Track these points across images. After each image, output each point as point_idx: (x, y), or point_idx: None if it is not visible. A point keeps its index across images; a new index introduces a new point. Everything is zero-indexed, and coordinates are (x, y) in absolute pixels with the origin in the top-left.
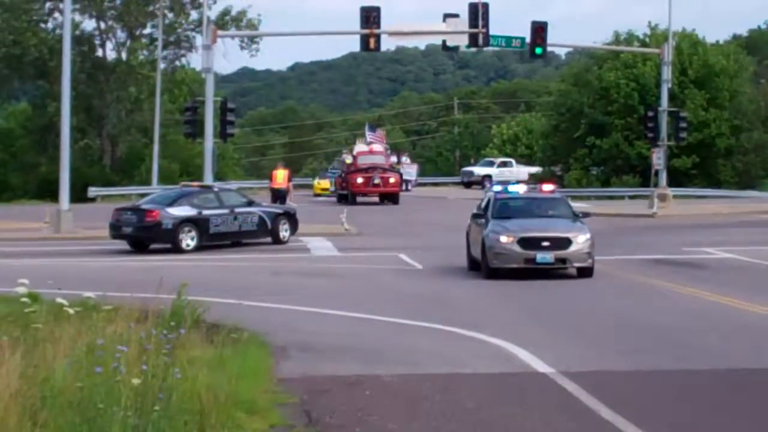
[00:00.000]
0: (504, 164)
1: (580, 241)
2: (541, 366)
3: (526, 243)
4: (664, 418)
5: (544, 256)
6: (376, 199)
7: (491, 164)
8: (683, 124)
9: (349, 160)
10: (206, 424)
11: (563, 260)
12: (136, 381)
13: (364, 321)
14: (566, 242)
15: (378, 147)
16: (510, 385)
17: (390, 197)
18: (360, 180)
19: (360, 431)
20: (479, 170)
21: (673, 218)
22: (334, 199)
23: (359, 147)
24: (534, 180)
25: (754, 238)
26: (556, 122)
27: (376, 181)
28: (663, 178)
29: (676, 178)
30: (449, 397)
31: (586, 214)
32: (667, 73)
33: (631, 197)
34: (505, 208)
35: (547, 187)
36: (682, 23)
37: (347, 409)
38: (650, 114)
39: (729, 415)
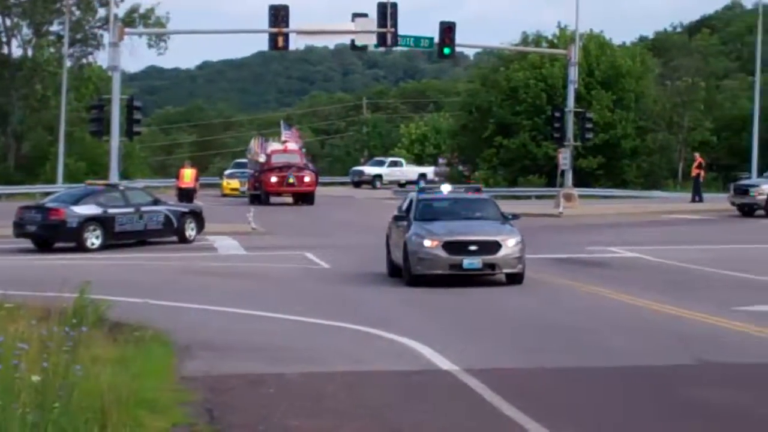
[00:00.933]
0: (394, 164)
1: (510, 244)
2: (445, 364)
3: (452, 247)
4: (566, 415)
5: (472, 262)
6: (289, 199)
7: (381, 164)
8: (589, 125)
9: (262, 158)
10: (108, 422)
11: (492, 266)
12: (35, 378)
13: (269, 319)
14: (495, 246)
15: (293, 145)
16: (414, 383)
17: (305, 197)
18: (274, 179)
19: (263, 429)
20: (369, 170)
21: (578, 218)
22: (245, 199)
23: (273, 145)
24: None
25: (657, 237)
26: (464, 122)
27: (291, 180)
28: (569, 178)
29: (582, 179)
30: (353, 394)
31: (515, 216)
32: (573, 74)
33: (538, 197)
34: (429, 210)
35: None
36: (590, 25)
37: (250, 407)
38: (557, 114)
39: (629, 412)
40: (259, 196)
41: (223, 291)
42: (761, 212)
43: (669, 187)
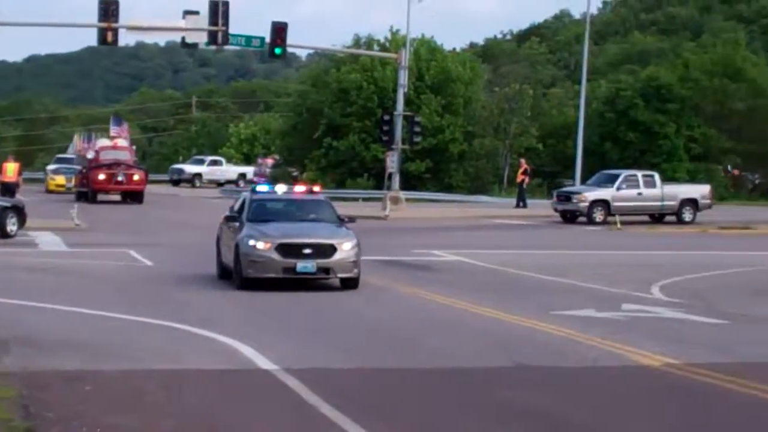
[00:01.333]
0: (214, 162)
1: (346, 248)
2: (265, 363)
3: (286, 250)
4: (382, 414)
5: (306, 265)
6: (117, 197)
7: (201, 162)
8: (418, 129)
9: (90, 155)
10: None
11: (327, 270)
12: None
13: (89, 317)
14: (330, 249)
15: (123, 142)
16: (233, 382)
17: (133, 196)
18: (102, 177)
19: (77, 425)
20: (189, 168)
21: (404, 221)
22: (71, 196)
23: (102, 141)
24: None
25: (480, 241)
26: (294, 123)
27: (120, 178)
28: (396, 181)
29: (410, 182)
30: (172, 393)
31: (351, 219)
32: (403, 77)
33: (365, 199)
34: (263, 211)
35: (300, 188)
36: (422, 30)
37: (67, 404)
38: (386, 117)
39: (445, 412)
40: (86, 193)
41: (42, 287)
42: (583, 219)
43: (494, 192)
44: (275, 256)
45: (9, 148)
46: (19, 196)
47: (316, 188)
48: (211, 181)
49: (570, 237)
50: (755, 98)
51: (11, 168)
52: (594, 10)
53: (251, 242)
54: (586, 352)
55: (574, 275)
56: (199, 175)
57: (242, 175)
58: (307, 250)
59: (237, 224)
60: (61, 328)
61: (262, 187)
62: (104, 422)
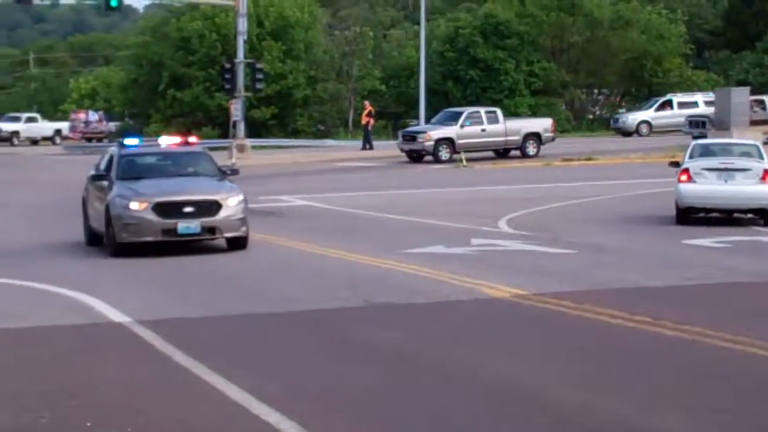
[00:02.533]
0: (30, 119)
1: (232, 204)
2: (117, 316)
3: (164, 209)
4: (236, 359)
5: (188, 226)
6: None
7: (17, 120)
8: (260, 76)
9: None
10: None
11: (212, 229)
12: None
13: None
14: (215, 206)
15: None
16: (86, 336)
17: None
18: None
19: None
20: (5, 126)
21: (251, 168)
22: None
23: None
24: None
25: (328, 185)
26: (135, 76)
27: None
28: (241, 129)
29: (256, 129)
30: (23, 350)
31: (234, 171)
32: (243, 24)
33: (211, 149)
34: (134, 167)
35: (173, 139)
36: None
37: None
38: (227, 66)
39: (298, 353)
40: None
41: None
42: (429, 158)
43: (340, 135)
44: (152, 216)
45: None
46: None
47: (192, 139)
48: (28, 139)
49: (417, 176)
50: (592, 30)
51: None
52: None
53: (124, 203)
54: (438, 288)
55: (422, 214)
56: (16, 133)
57: (58, 131)
58: (189, 209)
59: (105, 183)
60: None
61: (132, 140)
62: None
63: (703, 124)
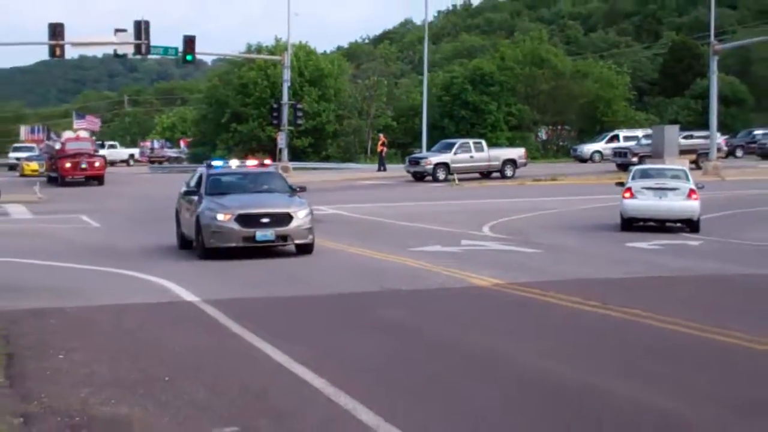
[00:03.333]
0: (111, 146)
1: (301, 216)
2: (188, 296)
3: (245, 220)
4: (280, 330)
5: (265, 234)
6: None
7: (102, 146)
8: (300, 114)
9: (58, 145)
10: None
11: (284, 237)
12: None
13: (53, 267)
14: (287, 218)
15: (84, 134)
16: (164, 311)
17: (96, 178)
18: (68, 165)
19: (44, 348)
20: None
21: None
22: (44, 179)
23: (67, 134)
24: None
25: (351, 198)
26: (204, 113)
27: (84, 165)
28: (285, 155)
29: (296, 155)
30: (117, 322)
31: (302, 188)
32: (287, 74)
33: None
34: (219, 184)
35: (253, 162)
36: (300, 37)
37: (36, 334)
38: (275, 106)
39: (328, 325)
40: (56, 178)
41: (14, 246)
42: (429, 178)
43: (361, 160)
44: (235, 226)
45: None
46: None
47: (267, 161)
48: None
49: (420, 192)
50: (557, 80)
51: None
52: (430, 18)
53: (212, 214)
54: (435, 278)
55: (424, 220)
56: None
57: (131, 155)
58: (265, 220)
59: (195, 198)
60: (30, 277)
61: (217, 162)
62: (69, 344)
63: (625, 154)
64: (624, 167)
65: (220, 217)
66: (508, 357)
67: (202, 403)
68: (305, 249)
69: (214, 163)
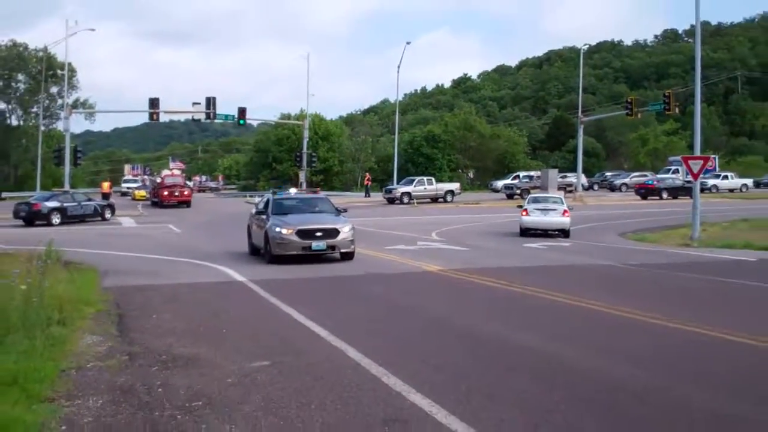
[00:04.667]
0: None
1: (346, 230)
2: (239, 277)
3: (303, 234)
4: (301, 300)
5: (318, 244)
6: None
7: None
8: (315, 159)
9: (158, 180)
10: (63, 310)
11: (333, 247)
12: (23, 287)
13: (149, 258)
14: (335, 232)
15: (177, 171)
16: (224, 288)
17: (185, 203)
18: (166, 193)
19: (143, 311)
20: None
21: None
22: (148, 202)
23: (165, 171)
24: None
25: (347, 215)
26: (252, 157)
27: (176, 193)
28: (304, 186)
29: (312, 186)
30: (192, 294)
31: (345, 210)
32: (306, 134)
33: None
34: (282, 206)
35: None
36: (316, 108)
37: (139, 302)
38: (298, 154)
39: (332, 297)
40: (157, 202)
41: (124, 244)
42: (398, 202)
43: (354, 190)
44: (296, 238)
45: (105, 175)
46: (112, 200)
47: (317, 189)
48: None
49: (392, 211)
50: (480, 140)
51: (106, 185)
52: (401, 98)
53: (278, 229)
54: (401, 266)
55: (394, 229)
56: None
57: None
58: (319, 233)
59: (264, 217)
60: (134, 264)
61: (278, 191)
62: (159, 308)
63: (512, 188)
64: (511, 197)
65: (284, 231)
66: (447, 317)
67: (245, 346)
68: (348, 256)
69: (276, 191)
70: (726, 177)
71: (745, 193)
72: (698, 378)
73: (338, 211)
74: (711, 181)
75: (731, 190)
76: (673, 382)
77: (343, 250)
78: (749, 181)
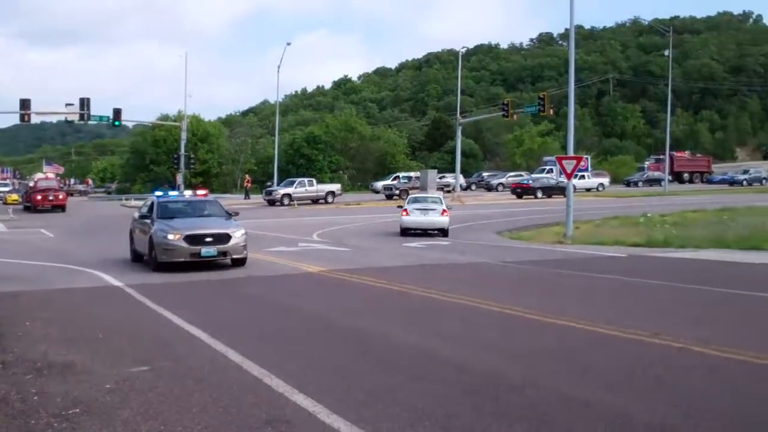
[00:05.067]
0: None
1: (237, 235)
2: (116, 282)
3: (192, 239)
4: (180, 303)
5: (209, 250)
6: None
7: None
8: (193, 161)
9: (32, 183)
10: None
11: (224, 253)
12: None
13: (22, 264)
14: (227, 237)
15: (52, 175)
16: (100, 293)
17: (60, 207)
18: (39, 197)
19: (16, 318)
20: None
21: None
22: (20, 207)
23: (39, 175)
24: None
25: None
26: (130, 160)
27: (51, 197)
28: (182, 188)
29: (191, 188)
30: (68, 300)
31: (236, 213)
32: (183, 135)
33: None
34: (168, 210)
35: (201, 191)
36: (194, 109)
37: (11, 309)
38: (176, 156)
39: (214, 300)
40: (30, 206)
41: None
42: (278, 203)
43: (234, 191)
44: (183, 244)
45: None
46: None
47: (204, 192)
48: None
49: (272, 213)
50: (361, 141)
51: None
52: (281, 99)
53: (164, 234)
54: (282, 268)
55: (275, 231)
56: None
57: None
58: (209, 239)
59: (149, 221)
60: (6, 270)
61: (159, 193)
62: (33, 315)
63: (391, 188)
64: (390, 197)
65: (171, 237)
66: (328, 317)
67: (124, 351)
68: (241, 262)
69: (157, 193)
70: (583, 176)
71: (601, 192)
72: (570, 370)
73: (229, 215)
74: (554, 181)
75: (588, 189)
76: (549, 373)
77: (235, 256)
78: (606, 180)
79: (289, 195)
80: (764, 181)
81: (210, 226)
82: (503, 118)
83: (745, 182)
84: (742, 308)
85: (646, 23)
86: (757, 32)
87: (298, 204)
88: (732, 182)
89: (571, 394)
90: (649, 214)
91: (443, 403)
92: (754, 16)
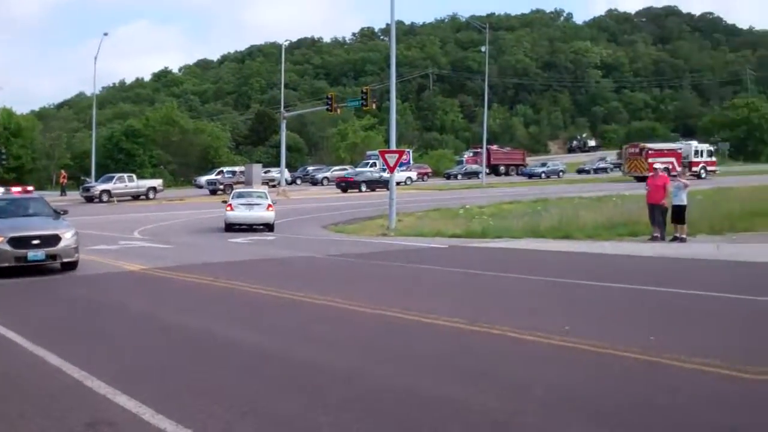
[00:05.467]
0: None
1: (68, 236)
2: None
3: (17, 242)
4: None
5: (36, 254)
6: None
7: None
8: (5, 156)
9: None
10: None
11: (54, 256)
12: None
13: None
14: (56, 239)
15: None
16: None
17: None
18: None
19: None
20: None
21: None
22: None
23: None
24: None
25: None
26: None
27: None
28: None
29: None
30: None
31: (65, 212)
32: None
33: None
34: None
35: (16, 188)
36: (5, 102)
37: None
38: None
39: (37, 303)
40: None
41: None
42: (97, 200)
43: (49, 188)
44: (7, 247)
45: None
46: None
47: (30, 188)
48: None
49: (90, 210)
50: (183, 135)
51: None
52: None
53: None
54: (102, 266)
55: (94, 229)
56: None
57: None
58: (36, 241)
59: None
60: None
61: None
62: None
63: (215, 183)
64: (214, 192)
65: None
66: (151, 316)
67: None
68: (71, 266)
69: None
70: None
71: (409, 185)
72: (398, 359)
73: (57, 214)
74: (377, 174)
75: (398, 183)
76: (375, 363)
77: (65, 260)
78: (413, 174)
79: (108, 191)
80: (561, 173)
81: (36, 227)
82: (327, 112)
83: (543, 175)
84: (559, 294)
85: (464, 19)
86: (568, 29)
87: (118, 200)
88: (531, 175)
89: (393, 383)
90: (467, 206)
91: (271, 397)
92: (564, 14)
